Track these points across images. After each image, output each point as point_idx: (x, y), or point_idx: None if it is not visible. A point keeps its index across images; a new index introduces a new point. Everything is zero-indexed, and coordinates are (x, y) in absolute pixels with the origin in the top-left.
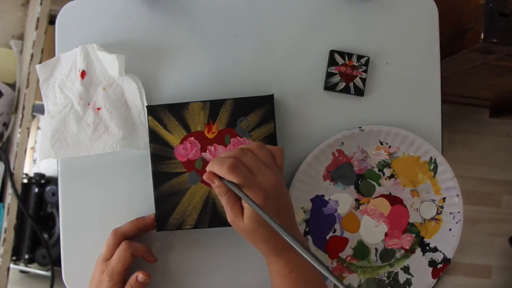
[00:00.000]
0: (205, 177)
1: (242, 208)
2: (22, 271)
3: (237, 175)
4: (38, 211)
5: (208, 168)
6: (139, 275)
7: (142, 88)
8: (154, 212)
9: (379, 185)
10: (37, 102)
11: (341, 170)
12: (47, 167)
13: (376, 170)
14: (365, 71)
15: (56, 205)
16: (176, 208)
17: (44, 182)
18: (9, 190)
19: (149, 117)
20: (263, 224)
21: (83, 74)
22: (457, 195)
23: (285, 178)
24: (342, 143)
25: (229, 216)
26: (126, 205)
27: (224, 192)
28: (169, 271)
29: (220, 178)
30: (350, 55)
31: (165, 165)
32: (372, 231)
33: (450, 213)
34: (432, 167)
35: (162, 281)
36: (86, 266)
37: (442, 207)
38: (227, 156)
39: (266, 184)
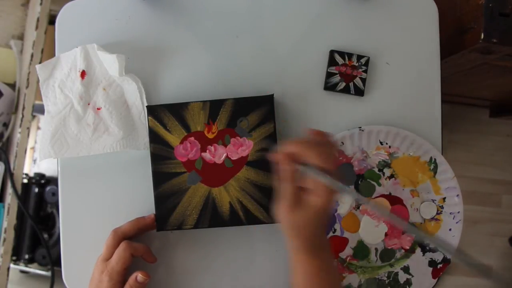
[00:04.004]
0: (281, 157)
1: (300, 202)
2: (22, 271)
3: (332, 161)
4: (38, 211)
5: (291, 150)
6: (138, 275)
7: (142, 88)
8: (154, 212)
9: (379, 185)
10: (37, 102)
11: (341, 170)
12: (47, 167)
13: (376, 170)
14: (365, 71)
15: (56, 205)
16: (176, 208)
17: (44, 182)
18: (9, 190)
19: (149, 117)
20: (318, 220)
21: (83, 74)
22: (457, 195)
23: None
24: (342, 143)
25: (285, 204)
26: (126, 205)
27: (293, 179)
28: (169, 271)
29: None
30: (350, 55)
31: (165, 165)
32: (372, 231)
33: (450, 213)
34: (432, 167)
35: (161, 281)
36: (86, 266)
37: (442, 207)
38: (314, 142)
39: (338, 175)
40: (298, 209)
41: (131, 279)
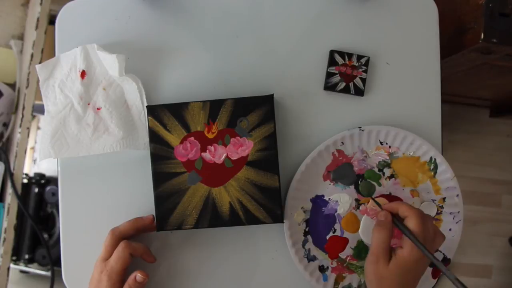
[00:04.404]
0: (382, 212)
1: (389, 254)
2: (22, 271)
3: (422, 225)
4: (38, 211)
5: (391, 206)
6: (137, 275)
7: (142, 88)
8: (154, 212)
9: (379, 185)
10: (37, 102)
11: (341, 170)
12: (47, 167)
13: (376, 170)
14: (365, 71)
15: (56, 205)
16: (176, 208)
17: (44, 182)
18: (9, 190)
19: (149, 117)
20: (404, 275)
21: (83, 74)
22: (457, 195)
23: (285, 178)
24: (342, 143)
25: (376, 253)
26: (126, 205)
27: (389, 229)
28: (168, 271)
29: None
30: (350, 55)
31: (165, 165)
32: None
33: (450, 213)
34: (432, 167)
35: (161, 281)
36: (86, 266)
37: (442, 207)
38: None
39: (433, 245)
40: (386, 261)
41: (130, 279)
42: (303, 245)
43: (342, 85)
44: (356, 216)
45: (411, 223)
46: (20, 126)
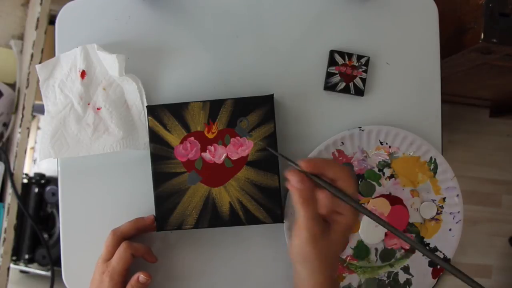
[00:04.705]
0: (295, 177)
1: (322, 226)
2: (22, 271)
3: (356, 185)
4: (38, 211)
5: (313, 169)
6: (140, 276)
7: (142, 88)
8: (154, 212)
9: (379, 185)
10: (37, 102)
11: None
12: (47, 167)
13: (376, 170)
14: (365, 71)
15: (56, 205)
16: (176, 208)
17: (44, 182)
18: (9, 190)
19: (149, 117)
20: (346, 240)
21: (83, 74)
22: (457, 195)
23: (285, 178)
24: (342, 143)
25: (312, 229)
26: (126, 205)
27: (312, 200)
28: (169, 271)
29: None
30: (350, 55)
31: (165, 165)
32: (372, 231)
33: (450, 213)
34: (432, 167)
35: (162, 281)
36: (86, 266)
37: (442, 207)
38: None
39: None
40: (322, 237)
41: (133, 280)
42: None
43: (342, 85)
44: None
45: (345, 184)
46: (20, 126)
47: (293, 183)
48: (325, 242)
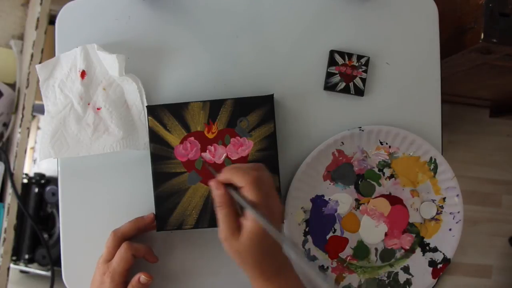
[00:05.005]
0: (213, 183)
1: (239, 226)
2: (22, 271)
3: (260, 192)
4: (38, 211)
5: (224, 176)
6: (141, 276)
7: (142, 88)
8: (154, 212)
9: (379, 185)
10: (37, 102)
11: (341, 170)
12: (47, 167)
13: (376, 170)
14: (365, 71)
15: (56, 205)
16: (176, 208)
17: (44, 182)
18: (9, 190)
19: (149, 117)
20: (259, 245)
21: (83, 74)
22: (457, 195)
23: (285, 178)
24: (342, 143)
25: (224, 232)
26: (126, 205)
27: (226, 204)
28: (170, 271)
29: (226, 188)
30: (350, 55)
31: (165, 165)
32: (372, 231)
33: (450, 213)
34: (432, 167)
35: (163, 281)
36: (86, 266)
37: (442, 207)
38: (248, 168)
39: (275, 210)
40: (236, 236)
41: (134, 280)
42: (303, 245)
43: (342, 85)
44: (356, 216)
45: (247, 192)
46: (20, 126)
47: (211, 189)
48: (237, 243)
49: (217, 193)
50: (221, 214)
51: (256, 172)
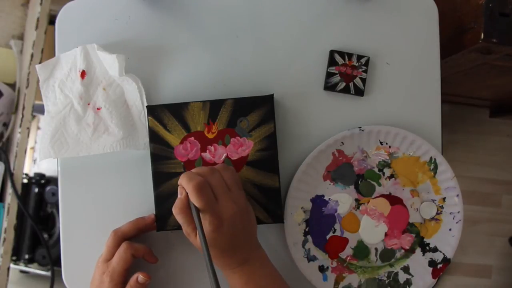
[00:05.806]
0: (179, 188)
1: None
2: (22, 271)
3: (201, 198)
4: (38, 211)
5: (179, 181)
6: (139, 276)
7: (142, 88)
8: (154, 212)
9: (379, 185)
10: (37, 102)
11: (341, 170)
12: (47, 167)
13: (376, 170)
14: (365, 71)
15: (56, 205)
16: None
17: (44, 182)
18: (9, 190)
19: (149, 117)
20: (214, 246)
21: (83, 74)
22: (457, 195)
23: (285, 178)
24: (342, 143)
25: (185, 230)
26: (126, 205)
27: (182, 210)
28: (170, 271)
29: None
30: (350, 55)
31: (165, 165)
32: (372, 231)
33: (450, 213)
34: (432, 167)
35: (163, 281)
36: (86, 266)
37: (442, 207)
38: (197, 173)
39: (224, 212)
40: (193, 237)
41: (132, 280)
42: (303, 245)
43: (342, 85)
44: (356, 216)
45: (191, 198)
46: (20, 126)
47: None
48: (196, 242)
49: (178, 198)
50: (179, 218)
51: (198, 178)
